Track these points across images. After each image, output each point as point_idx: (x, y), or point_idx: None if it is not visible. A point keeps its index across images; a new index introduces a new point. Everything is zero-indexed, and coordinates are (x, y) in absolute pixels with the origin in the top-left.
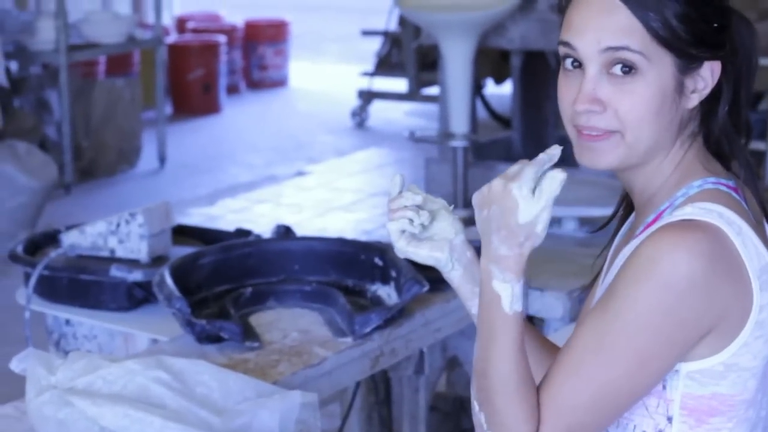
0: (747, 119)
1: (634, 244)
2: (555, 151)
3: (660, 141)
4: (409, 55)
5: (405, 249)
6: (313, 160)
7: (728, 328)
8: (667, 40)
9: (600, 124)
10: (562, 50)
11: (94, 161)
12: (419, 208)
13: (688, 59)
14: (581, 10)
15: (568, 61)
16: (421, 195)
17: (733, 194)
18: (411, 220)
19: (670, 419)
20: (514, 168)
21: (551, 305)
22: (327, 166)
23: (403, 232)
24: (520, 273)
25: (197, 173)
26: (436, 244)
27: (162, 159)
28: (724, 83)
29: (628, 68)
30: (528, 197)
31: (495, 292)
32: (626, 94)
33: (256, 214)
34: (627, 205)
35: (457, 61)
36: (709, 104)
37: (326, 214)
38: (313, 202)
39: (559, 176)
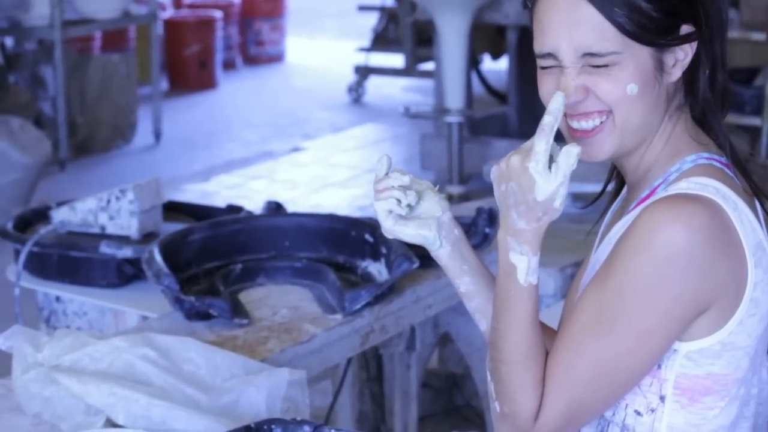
0: (727, 83)
1: (627, 219)
2: (557, 104)
3: (650, 120)
4: (405, 30)
5: (392, 228)
6: (308, 136)
7: (725, 305)
8: (635, 33)
9: (589, 108)
10: (540, 61)
11: (89, 137)
12: (406, 188)
13: (659, 46)
14: (551, 14)
15: (546, 60)
16: (408, 176)
17: (726, 170)
18: (398, 201)
19: (662, 398)
20: (528, 143)
21: (543, 281)
22: (322, 142)
23: (390, 212)
24: (537, 246)
25: (193, 149)
26: (423, 222)
27: (157, 135)
28: (702, 48)
29: (605, 63)
30: (545, 174)
31: (511, 263)
32: (605, 78)
33: (250, 190)
34: (618, 180)
35: (453, 36)
36: (690, 73)
37: (321, 190)
38: (309, 178)
39: (574, 150)
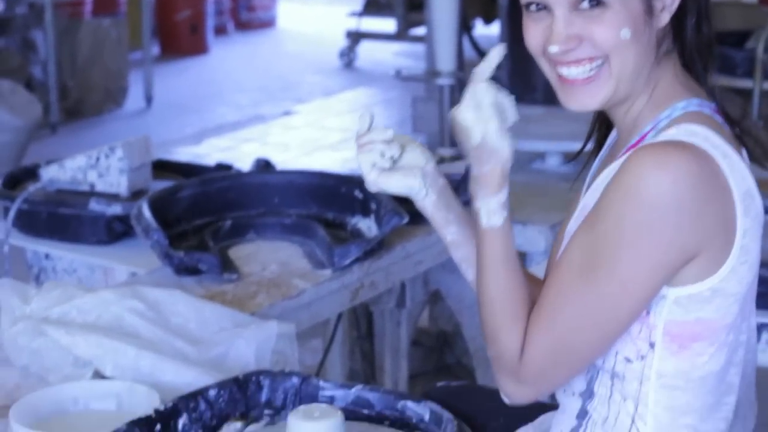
0: (712, 33)
1: (616, 165)
2: (494, 56)
3: (641, 66)
4: None
5: (376, 180)
6: (300, 100)
7: (715, 252)
8: None
9: (581, 55)
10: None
11: (80, 101)
12: (389, 142)
13: None
14: None
15: (533, 6)
16: (390, 130)
17: (716, 117)
18: (382, 153)
19: (652, 345)
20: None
21: (534, 239)
22: (314, 105)
23: (374, 165)
24: (493, 189)
25: (184, 113)
26: (407, 172)
27: (149, 99)
28: None
29: (596, 2)
30: (471, 118)
31: (475, 208)
32: (598, 24)
33: (242, 153)
34: (601, 129)
35: None
36: (677, 19)
37: (313, 152)
38: (300, 141)
39: (481, 85)
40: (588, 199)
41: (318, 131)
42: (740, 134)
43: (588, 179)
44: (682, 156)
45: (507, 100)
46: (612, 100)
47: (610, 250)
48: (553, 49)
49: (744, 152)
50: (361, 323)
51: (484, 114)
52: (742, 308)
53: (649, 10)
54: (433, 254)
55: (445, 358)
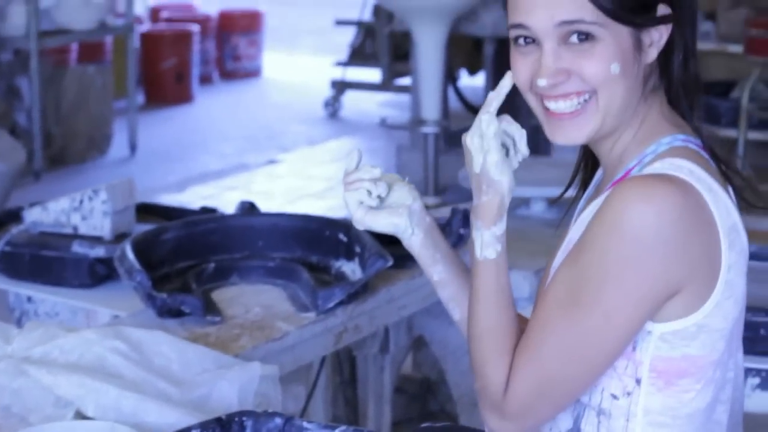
0: (698, 70)
1: (601, 199)
2: (504, 85)
3: (629, 101)
4: (382, 44)
5: (363, 219)
6: (285, 149)
7: (700, 287)
8: (614, 11)
9: (569, 89)
10: (513, 32)
11: (65, 148)
12: (376, 180)
13: (637, 25)
14: None
15: (521, 40)
16: (378, 168)
17: (702, 152)
18: (369, 192)
19: (638, 381)
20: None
21: (518, 284)
22: (299, 154)
23: (361, 203)
24: (489, 221)
25: (168, 161)
26: (394, 211)
27: (133, 147)
28: (676, 31)
29: (585, 36)
30: (475, 144)
31: (472, 239)
32: (587, 58)
33: (226, 200)
34: (587, 169)
35: (429, 47)
36: (664, 56)
37: (297, 201)
38: (284, 189)
39: (485, 116)
40: (573, 233)
41: (302, 180)
42: (726, 171)
43: (575, 216)
44: (666, 189)
45: (518, 134)
46: (598, 134)
47: (595, 283)
48: (542, 82)
49: (730, 189)
50: (345, 368)
51: (485, 144)
52: (729, 345)
53: (638, 45)
54: (418, 299)
55: (428, 405)
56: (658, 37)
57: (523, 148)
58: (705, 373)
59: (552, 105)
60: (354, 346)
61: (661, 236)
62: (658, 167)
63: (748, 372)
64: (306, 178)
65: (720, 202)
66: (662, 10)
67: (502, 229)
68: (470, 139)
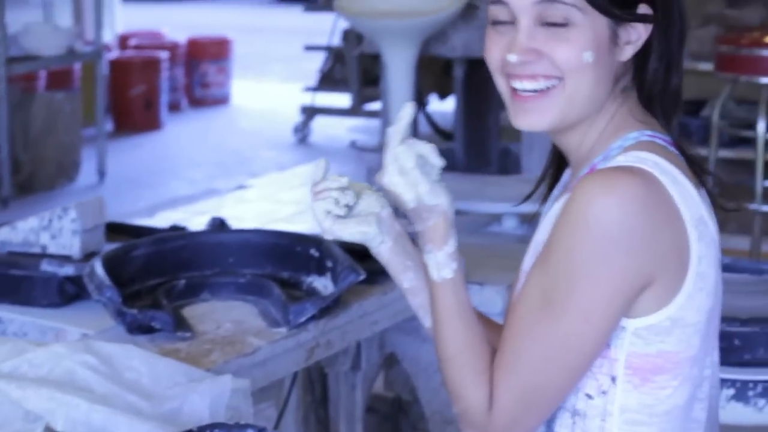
0: (679, 86)
1: (566, 197)
2: (403, 116)
3: (597, 94)
4: (351, 68)
5: (331, 228)
6: (254, 175)
7: (670, 279)
8: (596, 1)
9: (537, 70)
10: (492, 10)
11: (33, 175)
12: (344, 189)
13: (615, 18)
14: None
15: (499, 20)
16: (346, 177)
17: (670, 147)
18: (336, 201)
19: (614, 379)
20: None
21: (491, 299)
22: (268, 179)
23: (329, 212)
24: (439, 242)
25: (137, 188)
26: (362, 219)
27: (102, 173)
28: (656, 36)
29: (562, 19)
30: (400, 183)
31: (425, 263)
32: (561, 42)
33: (195, 224)
34: (555, 174)
35: (399, 68)
36: (641, 59)
37: (267, 225)
38: (254, 213)
39: (400, 148)
40: (540, 234)
41: (272, 204)
42: (698, 167)
43: (541, 217)
44: (628, 181)
45: (426, 150)
46: (561, 124)
47: (566, 283)
48: (512, 58)
49: (702, 191)
50: (316, 387)
51: (411, 178)
52: (705, 341)
53: (614, 39)
54: (390, 314)
55: (400, 425)
56: (636, 36)
57: (436, 161)
58: (681, 370)
59: (518, 84)
60: (325, 363)
61: (627, 228)
62: (621, 160)
63: (723, 383)
64: (276, 203)
65: (686, 194)
66: (643, 9)
67: (454, 246)
68: (391, 180)
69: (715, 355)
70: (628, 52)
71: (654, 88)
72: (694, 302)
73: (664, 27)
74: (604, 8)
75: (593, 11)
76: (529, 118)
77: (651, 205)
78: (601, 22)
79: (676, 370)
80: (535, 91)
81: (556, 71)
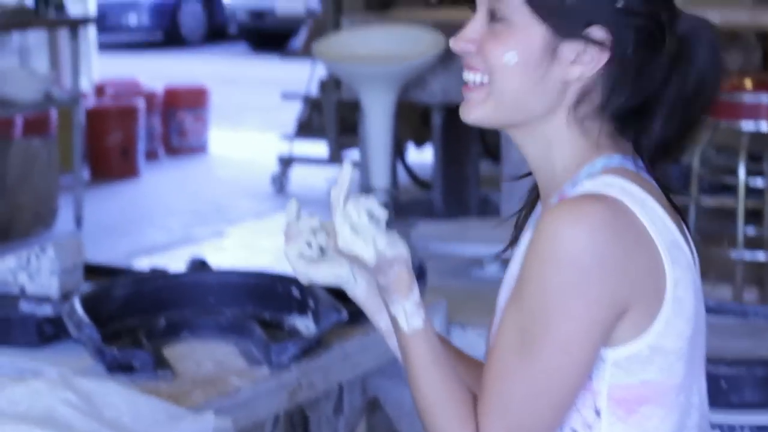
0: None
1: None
2: (345, 175)
3: (528, 101)
4: (329, 116)
5: (305, 272)
6: (232, 224)
7: (646, 305)
8: (535, 2)
9: (472, 63)
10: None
11: (10, 222)
12: (316, 231)
13: (553, 27)
14: None
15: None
16: (317, 218)
17: (642, 173)
18: (309, 243)
19: (598, 412)
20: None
21: (474, 343)
22: (246, 227)
23: (302, 256)
24: (404, 291)
25: (114, 235)
26: (335, 261)
27: (78, 221)
28: (619, 71)
29: (505, 16)
30: (356, 241)
31: (393, 316)
32: (492, 37)
33: (174, 269)
34: (531, 208)
35: (378, 113)
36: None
37: None
38: (232, 261)
39: (347, 208)
40: (514, 266)
41: (249, 252)
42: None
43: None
44: (595, 207)
45: (371, 204)
46: (495, 123)
47: (542, 318)
48: (452, 44)
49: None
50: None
51: (366, 233)
52: (690, 368)
53: (552, 53)
54: (372, 356)
55: None
56: (588, 59)
57: (381, 214)
58: (667, 398)
59: (464, 74)
60: (307, 406)
61: (598, 256)
62: (589, 186)
63: (710, 428)
64: (253, 251)
65: (656, 218)
66: (596, 32)
67: (418, 294)
68: (346, 240)
69: (702, 384)
70: (573, 72)
71: (625, 122)
72: (673, 328)
73: (633, 63)
74: (540, 11)
75: (531, 15)
76: (464, 108)
77: (620, 231)
78: (537, 30)
79: (661, 399)
80: (474, 83)
81: (485, 67)
